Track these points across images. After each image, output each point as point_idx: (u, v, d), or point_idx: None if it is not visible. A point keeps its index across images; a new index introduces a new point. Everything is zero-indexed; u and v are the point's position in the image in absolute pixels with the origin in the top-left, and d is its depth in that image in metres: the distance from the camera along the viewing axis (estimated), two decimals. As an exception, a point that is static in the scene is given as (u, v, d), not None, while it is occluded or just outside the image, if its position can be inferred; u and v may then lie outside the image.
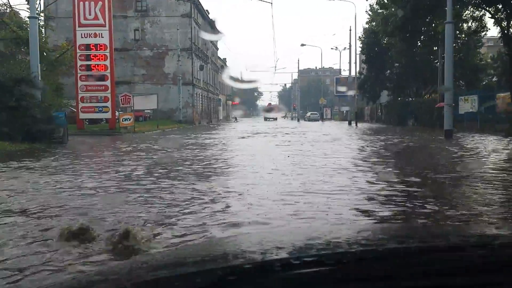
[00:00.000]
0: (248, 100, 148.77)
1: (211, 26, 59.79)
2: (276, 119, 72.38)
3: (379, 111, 47.23)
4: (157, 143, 18.28)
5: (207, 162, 10.76)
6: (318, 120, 65.88)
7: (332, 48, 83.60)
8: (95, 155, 13.77)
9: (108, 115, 27.50)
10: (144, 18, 47.06)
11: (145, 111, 37.24)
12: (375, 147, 15.39)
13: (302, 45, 64.12)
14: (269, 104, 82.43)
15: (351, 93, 40.04)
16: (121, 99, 27.71)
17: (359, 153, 13.30)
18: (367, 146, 15.61)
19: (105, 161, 12.04)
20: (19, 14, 38.80)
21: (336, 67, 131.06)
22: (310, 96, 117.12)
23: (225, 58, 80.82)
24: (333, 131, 28.79)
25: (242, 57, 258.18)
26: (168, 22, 46.69)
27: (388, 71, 39.82)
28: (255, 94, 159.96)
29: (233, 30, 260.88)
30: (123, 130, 27.19)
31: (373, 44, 37.29)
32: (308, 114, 71.12)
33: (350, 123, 42.82)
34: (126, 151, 15.00)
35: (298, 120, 67.05)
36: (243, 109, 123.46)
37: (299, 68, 74.78)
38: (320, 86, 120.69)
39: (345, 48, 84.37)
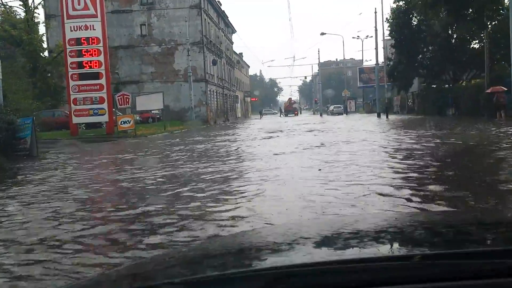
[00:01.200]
0: (267, 96, 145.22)
1: (223, 18, 56.16)
2: (296, 114, 68.66)
3: (409, 100, 42.87)
4: (149, 153, 14.75)
5: (206, 196, 7.06)
6: (342, 114, 61.76)
7: (354, 37, 78.75)
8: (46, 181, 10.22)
9: (105, 118, 24.14)
10: (151, 11, 43.67)
11: (152, 111, 33.80)
12: (444, 152, 11.07)
13: (322, 34, 59.74)
14: (290, 99, 78.31)
15: (380, 82, 35.78)
16: (117, 99, 24.27)
17: (428, 164, 9.39)
18: (429, 150, 10.71)
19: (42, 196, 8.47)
20: (13, 13, 36.00)
21: (357, 57, 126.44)
22: (331, 89, 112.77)
23: (242, 53, 77.21)
24: (364, 125, 24.83)
25: (259, 51, 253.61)
26: (176, 15, 43.19)
27: (420, 56, 35.50)
28: (275, 89, 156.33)
29: (248, 22, 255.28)
30: (122, 135, 23.84)
31: (402, 25, 33.04)
32: (331, 107, 66.93)
33: (379, 115, 38.68)
34: (100, 166, 11.44)
35: (321, 115, 62.95)
36: (263, 106, 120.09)
37: (319, 60, 70.31)
38: (342, 78, 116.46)
39: (367, 36, 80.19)
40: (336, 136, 16.20)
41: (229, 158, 10.81)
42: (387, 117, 34.62)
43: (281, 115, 62.31)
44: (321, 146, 12.60)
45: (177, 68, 43.56)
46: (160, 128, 29.47)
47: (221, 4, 53.88)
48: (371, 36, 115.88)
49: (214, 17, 50.88)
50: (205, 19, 45.29)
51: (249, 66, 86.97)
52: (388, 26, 35.20)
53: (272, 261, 0.86)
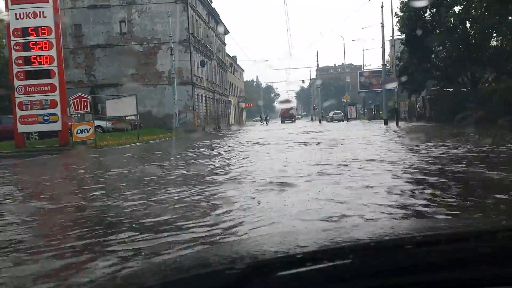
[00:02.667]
0: (264, 102, 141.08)
1: (214, 16, 51.86)
2: (294, 120, 64.20)
3: (418, 105, 38.45)
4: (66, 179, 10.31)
5: None
6: (342, 121, 57.47)
7: (353, 40, 74.18)
8: None
9: (57, 126, 19.62)
10: (131, 6, 39.29)
11: (126, 118, 29.31)
12: None
13: (321, 34, 55.42)
14: (287, 100, 73.71)
15: (392, 85, 31.30)
16: (73, 102, 19.75)
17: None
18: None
19: None
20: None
21: (355, 62, 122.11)
22: (330, 95, 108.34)
23: (235, 56, 72.84)
24: (375, 135, 20.42)
25: (254, 53, 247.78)
26: (159, 10, 38.81)
27: (433, 56, 31.14)
28: (272, 95, 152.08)
29: (242, 24, 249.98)
30: (78, 146, 19.37)
31: (416, 18, 28.66)
32: (331, 113, 62.47)
33: (386, 123, 34.28)
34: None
35: (320, 121, 58.54)
36: (259, 112, 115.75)
37: (318, 63, 65.83)
38: (340, 84, 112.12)
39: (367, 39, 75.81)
40: (350, 152, 11.76)
41: (188, 204, 6.32)
42: (397, 124, 30.19)
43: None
44: (340, 167, 8.18)
45: (161, 69, 39.15)
46: (133, 137, 25.01)
47: (211, 1, 49.52)
48: (372, 39, 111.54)
49: (204, 15, 46.53)
50: (192, 15, 40.93)
51: (243, 70, 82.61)
52: (398, 22, 30.81)
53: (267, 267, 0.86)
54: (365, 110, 70.96)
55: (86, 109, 19.91)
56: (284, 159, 10.64)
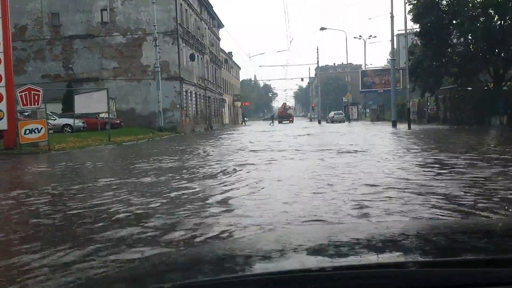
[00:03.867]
0: (261, 101, 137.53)
1: (207, 8, 48.21)
2: (292, 121, 60.63)
3: (429, 105, 34.84)
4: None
5: None
6: (343, 121, 53.94)
7: (355, 37, 70.51)
8: None
9: (2, 125, 15.97)
10: (114, -7, 35.56)
11: (100, 115, 25.64)
12: None
13: (322, 29, 51.90)
14: (284, 104, 70.22)
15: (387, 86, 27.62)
16: (20, 96, 16.05)
17: None
18: None
19: None
20: None
21: (355, 62, 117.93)
22: (329, 96, 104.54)
23: (231, 52, 69.16)
24: (386, 141, 16.88)
25: (250, 49, 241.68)
26: (145, -2, 35.08)
27: (449, 50, 27.56)
28: (270, 94, 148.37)
29: (238, 19, 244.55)
30: (29, 150, 15.77)
31: (431, 5, 25.04)
32: (331, 114, 58.82)
33: (395, 125, 30.75)
34: None
35: (320, 122, 54.97)
36: (257, 112, 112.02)
37: (318, 60, 62.01)
38: (340, 83, 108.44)
39: (370, 36, 72.38)
40: (363, 165, 8.17)
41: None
42: (409, 127, 26.56)
43: (272, 123, 54.30)
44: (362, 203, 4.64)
45: (146, 63, 35.45)
46: (105, 137, 21.37)
47: (204, -9, 45.82)
48: (375, 36, 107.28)
49: (195, 5, 42.85)
50: (181, 4, 37.28)
51: (239, 68, 78.90)
52: (410, 10, 27.18)
53: (261, 267, 0.87)
54: (366, 110, 67.47)
55: (38, 104, 16.21)
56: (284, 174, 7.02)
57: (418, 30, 27.03)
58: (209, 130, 43.39)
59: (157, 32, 31.93)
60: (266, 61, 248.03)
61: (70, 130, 24.95)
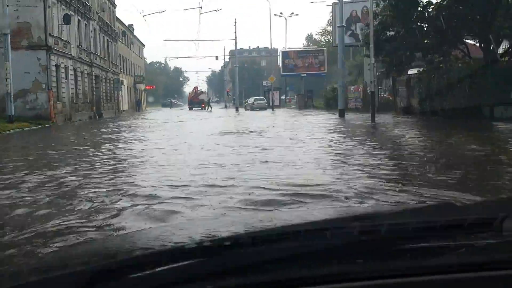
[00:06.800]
0: (172, 86, 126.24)
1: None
2: (204, 107, 51.51)
3: (382, 89, 27.35)
4: None
5: None
6: (265, 109, 45.82)
7: (276, 15, 62.07)
8: None
9: None
10: None
11: None
12: None
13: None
14: (195, 88, 60.80)
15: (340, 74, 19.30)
16: None
17: None
18: None
19: None
20: None
21: (273, 45, 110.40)
22: (245, 81, 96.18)
23: (132, 25, 58.07)
24: (354, 143, 8.52)
25: (154, 24, 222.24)
26: None
27: (419, 22, 19.89)
28: (181, 79, 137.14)
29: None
30: None
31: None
32: (251, 100, 50.31)
33: (342, 114, 22.92)
34: None
35: (237, 109, 46.34)
36: (167, 97, 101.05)
37: (236, 36, 52.85)
38: (255, 68, 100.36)
39: (292, 14, 64.54)
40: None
41: None
42: (373, 118, 18.53)
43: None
44: None
45: (-7, 22, 24.39)
46: None
47: None
48: (297, 14, 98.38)
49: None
50: None
51: (144, 45, 67.80)
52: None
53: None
54: (287, 97, 59.99)
55: None
56: None
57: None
58: (96, 118, 33.05)
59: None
60: (173, 35, 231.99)
61: None
